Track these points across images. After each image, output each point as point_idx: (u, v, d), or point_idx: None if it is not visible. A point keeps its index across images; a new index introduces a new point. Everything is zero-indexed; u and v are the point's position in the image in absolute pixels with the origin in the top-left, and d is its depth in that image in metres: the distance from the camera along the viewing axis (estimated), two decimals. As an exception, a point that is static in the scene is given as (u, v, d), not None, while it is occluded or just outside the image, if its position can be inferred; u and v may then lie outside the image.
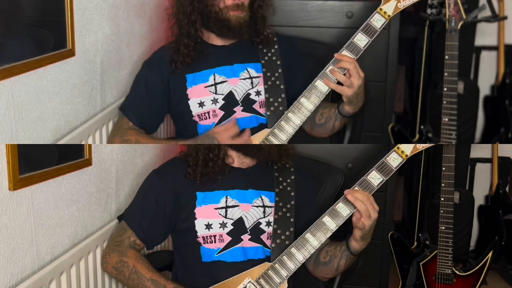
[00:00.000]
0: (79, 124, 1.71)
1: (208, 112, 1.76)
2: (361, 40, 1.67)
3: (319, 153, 2.19)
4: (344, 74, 1.65)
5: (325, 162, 1.93)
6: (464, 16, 2.31)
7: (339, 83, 1.67)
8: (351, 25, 2.32)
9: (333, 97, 1.79)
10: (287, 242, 1.62)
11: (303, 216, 1.68)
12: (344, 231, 1.61)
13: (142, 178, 1.94)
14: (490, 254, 2.33)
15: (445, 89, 2.37)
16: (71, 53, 1.63)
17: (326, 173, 1.86)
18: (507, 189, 2.89)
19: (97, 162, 1.76)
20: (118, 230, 1.70)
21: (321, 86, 1.68)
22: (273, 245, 1.63)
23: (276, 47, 1.82)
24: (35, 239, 1.49)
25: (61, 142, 1.61)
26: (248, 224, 1.65)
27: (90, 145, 1.72)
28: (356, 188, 1.57)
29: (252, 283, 1.58)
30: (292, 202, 1.67)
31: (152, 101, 1.81)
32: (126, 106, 1.83)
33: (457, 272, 2.36)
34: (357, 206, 1.52)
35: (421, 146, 1.57)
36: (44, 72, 1.52)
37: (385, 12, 1.66)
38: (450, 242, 2.34)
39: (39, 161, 1.53)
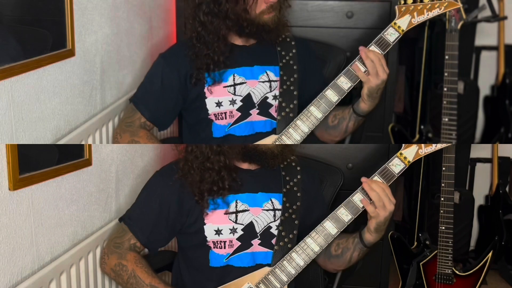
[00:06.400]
0: (79, 124, 1.71)
1: (225, 113, 1.74)
2: None
3: (319, 153, 2.19)
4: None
5: (325, 162, 1.93)
6: (464, 16, 2.31)
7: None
8: (351, 25, 2.32)
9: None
10: (289, 246, 1.60)
11: (313, 214, 1.67)
12: (356, 223, 1.60)
13: (142, 178, 1.94)
14: (490, 254, 2.33)
15: (445, 89, 2.37)
16: (71, 53, 1.63)
17: (325, 173, 1.86)
18: (507, 189, 2.88)
19: (97, 162, 1.76)
20: (118, 231, 1.67)
21: (330, 95, 1.68)
22: (275, 248, 1.60)
23: (294, 51, 1.80)
24: (35, 239, 1.49)
25: (61, 142, 1.61)
26: (259, 228, 1.62)
27: (90, 145, 1.72)
28: (375, 178, 1.56)
29: None
30: (298, 203, 1.65)
31: (167, 98, 1.77)
32: (139, 100, 1.78)
33: (457, 272, 2.36)
34: (372, 196, 1.52)
35: (423, 152, 1.57)
36: (44, 72, 1.51)
37: (399, 27, 1.65)
38: (450, 242, 2.34)
39: (39, 161, 1.53)
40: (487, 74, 3.00)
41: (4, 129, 1.37)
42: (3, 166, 1.36)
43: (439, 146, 1.59)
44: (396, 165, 1.57)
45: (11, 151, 1.37)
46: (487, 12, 2.56)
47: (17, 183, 1.39)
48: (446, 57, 2.33)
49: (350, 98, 1.90)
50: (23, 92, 1.43)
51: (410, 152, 1.57)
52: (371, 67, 1.63)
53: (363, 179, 1.55)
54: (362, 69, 1.65)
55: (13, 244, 1.41)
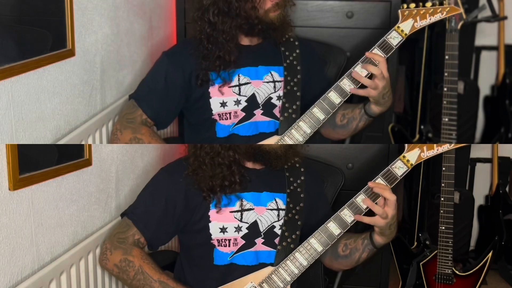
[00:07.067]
0: (79, 124, 1.71)
1: (230, 113, 1.75)
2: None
3: (319, 153, 2.19)
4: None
5: (325, 162, 1.93)
6: (464, 16, 2.31)
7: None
8: (351, 25, 2.32)
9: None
10: (292, 246, 1.60)
11: (317, 215, 1.68)
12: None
13: (143, 179, 1.94)
14: (490, 254, 2.33)
15: (445, 89, 2.37)
16: (71, 53, 1.62)
17: (326, 173, 1.86)
18: (507, 189, 2.88)
19: (97, 162, 1.76)
20: (121, 226, 1.65)
21: (333, 97, 1.69)
22: (278, 247, 1.61)
23: (297, 51, 1.81)
24: (35, 239, 1.49)
25: (61, 142, 1.61)
26: (263, 227, 1.62)
27: (90, 145, 1.72)
28: (378, 180, 1.57)
29: (255, 287, 1.57)
30: (301, 204, 1.65)
31: (170, 97, 1.77)
32: (141, 97, 1.78)
33: (457, 272, 2.36)
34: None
35: (425, 156, 1.58)
36: (44, 72, 1.51)
37: (402, 30, 1.67)
38: (450, 242, 2.34)
39: (39, 161, 1.53)
40: (487, 74, 3.00)
41: (4, 129, 1.37)
42: (3, 166, 1.36)
43: (441, 149, 1.59)
44: (399, 168, 1.58)
45: (11, 151, 1.37)
46: (487, 12, 2.56)
47: (17, 183, 1.39)
48: (446, 57, 2.33)
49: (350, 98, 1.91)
50: (23, 92, 1.43)
51: (413, 155, 1.58)
52: (368, 83, 1.66)
53: (370, 183, 1.58)
54: (363, 74, 1.66)
55: (13, 244, 1.41)
